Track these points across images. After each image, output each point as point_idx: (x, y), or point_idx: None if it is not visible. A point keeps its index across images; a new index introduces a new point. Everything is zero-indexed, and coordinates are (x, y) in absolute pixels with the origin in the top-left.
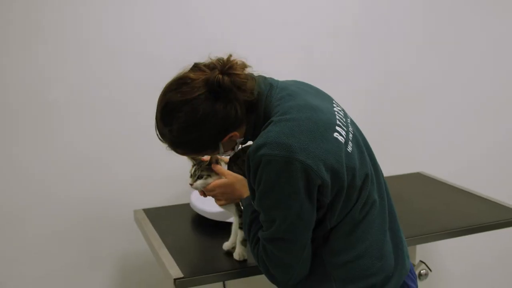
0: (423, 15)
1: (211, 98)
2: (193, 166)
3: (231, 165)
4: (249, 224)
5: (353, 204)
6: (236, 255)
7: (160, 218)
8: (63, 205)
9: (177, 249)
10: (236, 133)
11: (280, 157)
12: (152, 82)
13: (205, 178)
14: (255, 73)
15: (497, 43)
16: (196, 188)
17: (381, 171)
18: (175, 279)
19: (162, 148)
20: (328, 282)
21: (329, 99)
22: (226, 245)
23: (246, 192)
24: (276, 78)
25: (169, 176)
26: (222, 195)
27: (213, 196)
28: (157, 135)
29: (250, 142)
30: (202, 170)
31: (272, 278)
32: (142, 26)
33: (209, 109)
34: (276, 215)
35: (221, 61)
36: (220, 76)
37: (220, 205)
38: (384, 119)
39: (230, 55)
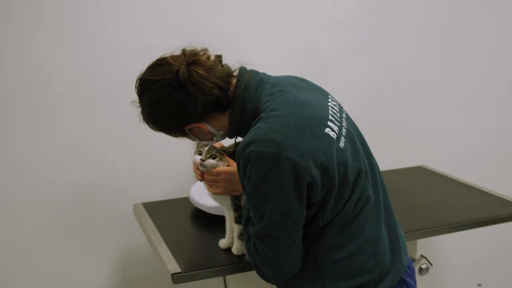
0: (422, 7)
1: (173, 86)
2: (199, 146)
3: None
4: (246, 219)
5: (346, 201)
6: (235, 249)
7: (159, 212)
8: (62, 198)
9: (175, 244)
10: (201, 125)
11: (268, 154)
12: None
13: (218, 160)
14: (248, 67)
15: (496, 34)
16: (205, 166)
17: (377, 166)
18: (173, 274)
19: (162, 142)
20: (321, 279)
21: (324, 94)
22: (223, 243)
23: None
24: (275, 71)
25: (168, 170)
26: (224, 182)
27: (211, 182)
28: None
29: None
30: (217, 151)
31: (261, 274)
32: (142, 18)
33: (167, 95)
34: (264, 211)
35: (192, 53)
36: (183, 67)
37: (213, 193)
38: (385, 112)
39: (204, 49)
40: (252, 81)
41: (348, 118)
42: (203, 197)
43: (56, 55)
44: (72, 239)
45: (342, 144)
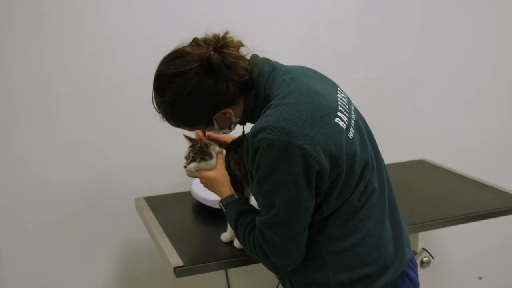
0: (422, 6)
1: (202, 74)
2: (188, 148)
3: (231, 152)
4: (236, 218)
5: (352, 191)
6: (237, 243)
7: (161, 206)
8: (64, 193)
9: (177, 237)
10: (229, 110)
11: (279, 142)
12: (153, 71)
13: (198, 161)
14: (260, 55)
15: (496, 32)
16: (189, 171)
17: (383, 160)
18: (175, 268)
19: (163, 137)
20: (323, 269)
21: (333, 85)
22: (225, 237)
23: (224, 192)
24: None
25: (170, 164)
26: (203, 183)
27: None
28: (153, 104)
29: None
30: (196, 153)
31: (270, 265)
32: (143, 17)
33: (199, 84)
34: (275, 199)
35: (216, 38)
36: (212, 52)
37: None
38: (385, 110)
39: (227, 32)
40: (265, 68)
41: (356, 110)
42: (205, 191)
43: (56, 55)
44: (74, 234)
45: (351, 134)
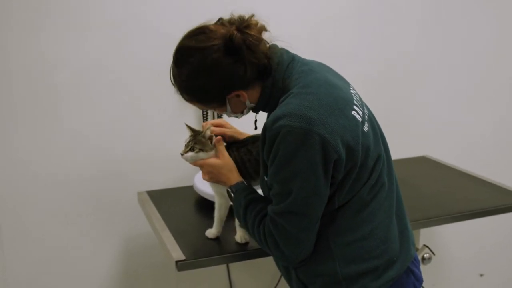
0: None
1: (223, 51)
2: (189, 137)
3: (232, 149)
4: (245, 206)
5: (363, 184)
6: (238, 237)
7: (164, 200)
8: (66, 188)
9: (180, 232)
10: (243, 93)
11: (299, 129)
12: (157, 64)
13: (197, 152)
14: (279, 45)
15: (501, 24)
16: (186, 159)
17: (390, 156)
18: (177, 261)
19: (166, 130)
20: (331, 261)
21: (346, 82)
22: (211, 233)
23: (233, 179)
24: None
25: (173, 158)
26: (208, 174)
27: (200, 168)
28: (170, 77)
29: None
30: (196, 143)
31: (280, 254)
32: (150, 8)
33: (218, 60)
34: (292, 187)
35: (241, 19)
36: (235, 32)
37: (204, 179)
38: (388, 103)
39: (252, 15)
40: (285, 57)
41: (367, 107)
42: (207, 185)
43: (59, 47)
44: (77, 227)
45: (366, 128)
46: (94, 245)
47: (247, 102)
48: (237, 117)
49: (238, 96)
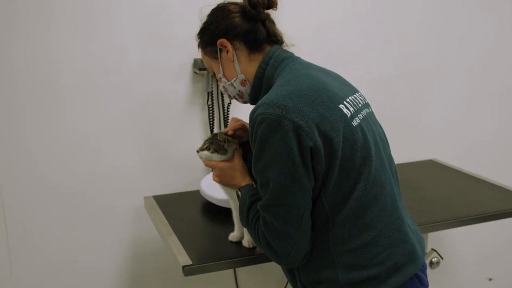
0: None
1: (240, 13)
2: (208, 137)
3: (246, 147)
4: (249, 206)
5: (354, 184)
6: (245, 242)
7: (170, 204)
8: (72, 192)
9: (186, 236)
10: (230, 48)
11: (273, 115)
12: (164, 65)
13: (211, 152)
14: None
15: (508, 26)
16: (200, 157)
17: (395, 166)
18: (183, 266)
19: (173, 135)
20: (332, 267)
21: (351, 89)
22: (234, 236)
23: (242, 181)
24: None
25: (179, 163)
26: (219, 176)
27: (212, 169)
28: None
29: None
30: (212, 143)
31: (273, 254)
32: (155, 10)
33: (226, 7)
34: (269, 176)
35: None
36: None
37: (214, 180)
38: (395, 106)
39: None
40: (282, 54)
41: (372, 115)
42: (213, 190)
43: (63, 47)
44: (83, 232)
45: (354, 123)
46: (100, 249)
47: (238, 69)
48: (236, 98)
49: (227, 50)
